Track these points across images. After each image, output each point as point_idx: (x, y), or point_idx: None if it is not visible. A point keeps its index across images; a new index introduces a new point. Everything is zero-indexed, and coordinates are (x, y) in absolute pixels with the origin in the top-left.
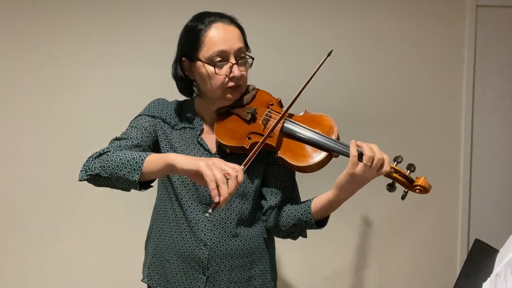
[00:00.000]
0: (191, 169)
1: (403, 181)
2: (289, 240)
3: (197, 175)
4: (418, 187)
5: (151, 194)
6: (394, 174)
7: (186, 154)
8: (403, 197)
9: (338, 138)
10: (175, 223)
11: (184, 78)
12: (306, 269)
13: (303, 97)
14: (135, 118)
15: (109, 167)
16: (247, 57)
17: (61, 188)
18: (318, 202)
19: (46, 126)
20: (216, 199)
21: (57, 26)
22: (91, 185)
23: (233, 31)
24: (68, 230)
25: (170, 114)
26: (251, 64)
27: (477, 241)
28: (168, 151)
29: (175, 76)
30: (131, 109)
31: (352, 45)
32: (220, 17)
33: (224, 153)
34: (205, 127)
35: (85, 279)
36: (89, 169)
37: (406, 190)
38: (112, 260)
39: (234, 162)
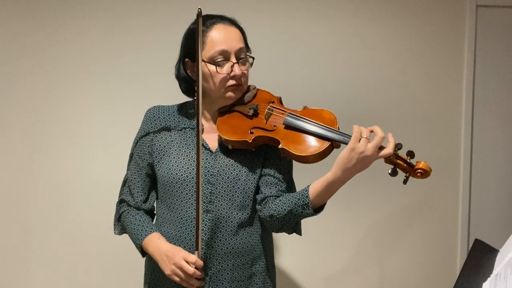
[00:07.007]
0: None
1: (404, 166)
2: (289, 239)
3: None
4: (419, 171)
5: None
6: (395, 160)
7: (187, 154)
8: (404, 182)
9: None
10: (174, 226)
11: (187, 78)
12: (306, 269)
13: (304, 94)
14: (134, 145)
15: (128, 233)
16: (248, 56)
17: (61, 189)
18: (315, 185)
19: (46, 126)
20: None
21: (58, 26)
22: (92, 186)
23: (234, 31)
24: (69, 231)
25: (168, 119)
26: (252, 64)
27: (477, 241)
28: (161, 158)
29: (178, 76)
30: (133, 110)
31: (353, 45)
32: (221, 18)
33: (226, 150)
34: (206, 126)
35: (86, 279)
36: (119, 231)
37: (407, 174)
38: (113, 262)
39: (237, 159)
